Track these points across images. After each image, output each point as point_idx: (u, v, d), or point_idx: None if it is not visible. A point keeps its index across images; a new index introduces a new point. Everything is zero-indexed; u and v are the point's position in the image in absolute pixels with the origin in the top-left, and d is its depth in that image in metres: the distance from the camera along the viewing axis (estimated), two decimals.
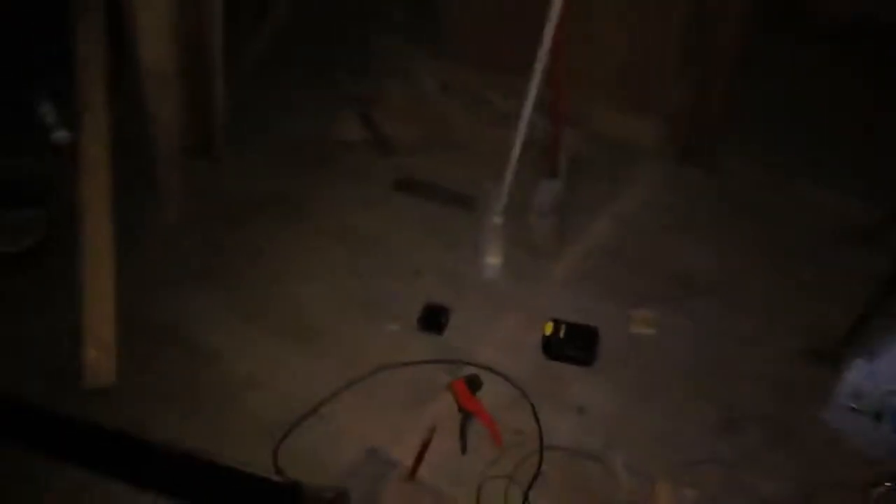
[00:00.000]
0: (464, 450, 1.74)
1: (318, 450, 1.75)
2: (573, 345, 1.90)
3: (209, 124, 2.35)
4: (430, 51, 2.74)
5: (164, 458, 1.67)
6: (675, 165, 2.37)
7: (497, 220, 2.18)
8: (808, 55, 2.61)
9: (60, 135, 2.49)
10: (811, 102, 2.49)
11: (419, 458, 1.72)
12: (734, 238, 2.16)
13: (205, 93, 2.26)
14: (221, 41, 2.19)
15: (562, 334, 1.92)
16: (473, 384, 1.84)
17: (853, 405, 1.63)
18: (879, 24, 2.57)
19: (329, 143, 2.59)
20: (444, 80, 2.71)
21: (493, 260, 2.14)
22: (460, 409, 1.79)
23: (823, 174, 2.27)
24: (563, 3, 1.81)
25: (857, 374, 1.61)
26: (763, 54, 2.46)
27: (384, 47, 2.83)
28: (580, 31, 2.23)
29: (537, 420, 1.78)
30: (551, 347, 1.91)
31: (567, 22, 1.87)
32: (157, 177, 2.20)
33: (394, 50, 2.82)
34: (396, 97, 2.74)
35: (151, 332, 1.99)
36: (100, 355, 1.84)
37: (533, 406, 1.81)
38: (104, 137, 1.98)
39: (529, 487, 1.66)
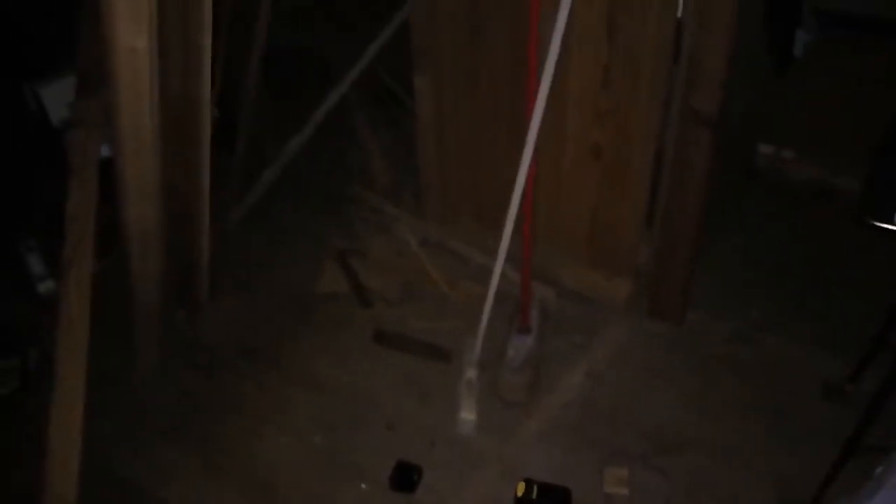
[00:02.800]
0: None
1: None
2: None
3: (191, 277, 2.42)
4: (411, 207, 2.88)
5: None
6: (645, 320, 2.43)
7: (471, 374, 2.21)
8: (766, 212, 2.77)
9: (47, 285, 2.56)
10: (771, 257, 2.60)
11: None
12: (705, 393, 2.19)
13: (189, 248, 2.34)
14: (208, 198, 2.28)
15: (534, 495, 1.89)
16: None
17: None
18: (835, 187, 2.75)
19: (310, 294, 2.65)
20: (423, 235, 2.83)
21: (467, 415, 2.14)
22: None
23: (791, 328, 2.33)
24: (532, 166, 1.94)
25: None
26: (723, 210, 2.61)
27: (367, 204, 2.98)
28: (551, 193, 2.38)
29: None
30: None
31: (532, 187, 1.99)
32: (135, 329, 2.23)
33: (376, 206, 2.96)
34: (378, 251, 2.85)
35: (115, 489, 1.95)
36: None
37: None
38: (86, 294, 2.03)
39: None
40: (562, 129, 2.26)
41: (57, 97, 2.51)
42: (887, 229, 1.36)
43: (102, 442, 2.02)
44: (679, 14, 1.90)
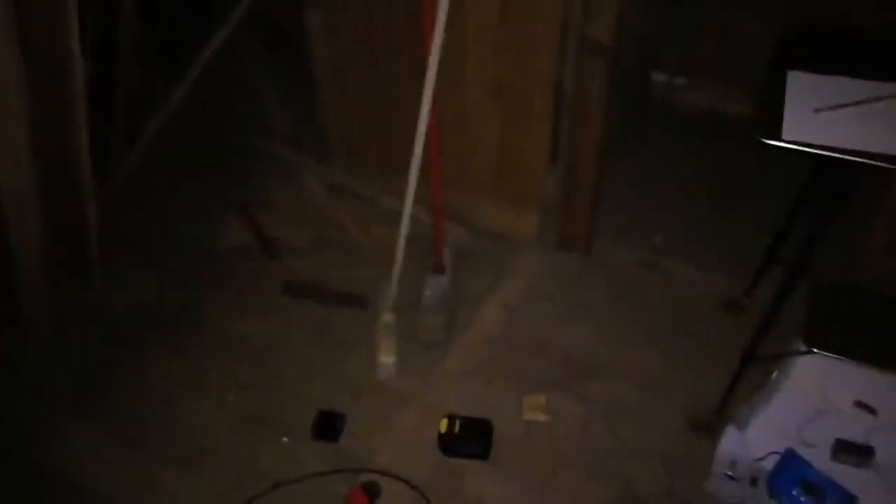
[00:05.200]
0: None
1: None
2: (468, 439, 1.91)
3: (80, 242, 2.26)
4: (314, 153, 2.80)
5: None
6: (555, 253, 2.49)
7: (388, 317, 2.20)
8: (664, 140, 2.86)
9: None
10: (672, 184, 2.70)
11: None
12: (615, 320, 2.27)
13: (73, 210, 2.19)
14: (88, 156, 2.13)
15: (457, 429, 1.92)
16: (371, 492, 1.81)
17: (729, 473, 1.70)
18: (726, 114, 2.86)
19: (213, 250, 2.55)
20: (329, 181, 2.76)
21: (385, 359, 2.14)
22: None
23: (692, 252, 2.43)
24: (432, 103, 1.91)
25: (730, 443, 1.69)
26: (623, 141, 2.68)
27: (266, 151, 2.86)
28: (453, 129, 2.36)
29: None
30: (447, 444, 1.91)
31: (435, 122, 1.96)
32: (22, 304, 2.08)
33: (276, 153, 2.85)
34: (281, 200, 2.76)
35: (29, 478, 1.85)
36: None
37: None
38: None
39: None
40: (462, 67, 2.22)
41: None
42: (777, 146, 1.41)
43: (10, 429, 1.90)
44: None
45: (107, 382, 2.10)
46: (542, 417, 2.00)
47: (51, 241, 2.09)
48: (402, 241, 2.11)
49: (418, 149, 1.98)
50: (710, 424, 1.91)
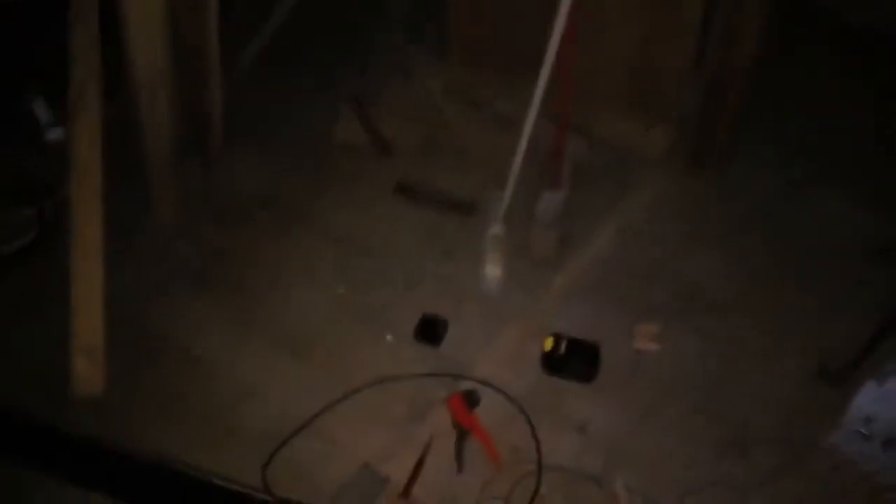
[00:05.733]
0: (460, 469, 1.68)
1: (308, 465, 1.70)
2: (574, 361, 1.85)
3: (204, 125, 2.29)
4: (434, 51, 2.68)
5: (153, 472, 1.64)
6: (683, 174, 2.30)
7: (498, 229, 2.12)
8: (823, 61, 2.54)
9: (54, 132, 2.45)
10: (825, 110, 2.41)
11: (413, 476, 1.66)
12: (744, 251, 2.10)
13: (200, 94, 2.21)
14: (217, 42, 2.12)
15: (563, 349, 1.86)
16: (471, 399, 1.79)
17: (863, 430, 1.56)
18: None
19: (327, 144, 2.53)
20: (448, 81, 2.65)
21: (493, 271, 2.08)
22: (456, 426, 1.74)
23: (837, 185, 2.19)
24: (572, 4, 1.75)
25: (868, 398, 1.54)
26: (777, 56, 2.40)
27: (386, 46, 2.77)
28: (588, 33, 2.17)
29: (536, 439, 1.73)
30: (552, 363, 1.85)
31: (576, 24, 1.80)
32: (148, 180, 2.14)
33: (396, 49, 2.76)
34: (398, 98, 2.68)
35: (142, 339, 1.95)
36: (89, 364, 1.80)
37: (532, 423, 1.76)
38: (96, 139, 1.93)
39: None
40: None
41: None
42: None
43: (127, 293, 1.99)
44: None
45: (222, 262, 2.15)
46: (653, 347, 1.90)
47: (178, 123, 2.12)
48: (521, 149, 2.00)
49: (552, 51, 1.83)
50: (843, 375, 1.74)
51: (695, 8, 2.00)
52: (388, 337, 1.96)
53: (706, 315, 1.95)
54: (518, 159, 2.02)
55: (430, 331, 1.96)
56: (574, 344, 1.87)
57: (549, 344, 1.87)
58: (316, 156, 2.48)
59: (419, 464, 1.68)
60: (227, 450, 1.71)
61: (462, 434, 1.72)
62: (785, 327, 1.91)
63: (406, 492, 1.64)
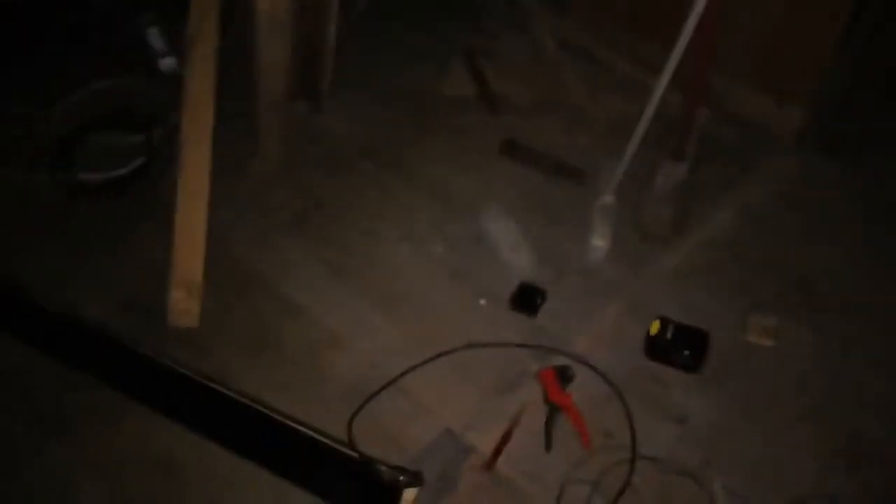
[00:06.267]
0: (548, 447, 1.62)
1: (394, 423, 1.67)
2: (681, 348, 1.73)
3: (316, 69, 2.25)
4: (552, 5, 2.54)
5: (240, 411, 1.64)
6: (814, 158, 2.11)
7: (608, 199, 2.01)
8: None
9: (168, 62, 2.47)
10: None
11: (499, 448, 1.61)
12: (872, 243, 1.92)
13: (315, 37, 2.16)
14: None
15: (669, 335, 1.75)
16: (565, 376, 1.71)
17: None
18: None
19: (435, 96, 2.45)
20: (565, 38, 2.51)
21: (599, 242, 1.98)
22: (547, 402, 1.67)
23: None
24: None
25: None
26: None
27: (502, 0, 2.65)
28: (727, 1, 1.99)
29: (632, 425, 1.64)
30: (656, 348, 1.75)
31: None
32: (258, 119, 2.12)
33: (511, 2, 2.63)
34: (509, 51, 2.57)
35: (238, 277, 1.95)
36: (186, 296, 1.81)
37: (628, 409, 1.67)
38: (210, 72, 1.92)
39: (616, 499, 1.53)
40: None
41: None
42: None
43: (226, 231, 1.99)
44: None
45: (321, 209, 2.13)
46: (768, 342, 1.76)
47: (292, 62, 2.08)
48: (647, 117, 1.86)
49: (696, 15, 1.67)
50: None
51: None
52: (482, 301, 1.90)
53: (825, 312, 1.81)
54: (641, 127, 1.89)
55: (528, 299, 1.88)
56: (681, 330, 1.76)
57: (655, 327, 1.76)
58: (424, 109, 2.41)
59: (506, 436, 1.63)
60: (311, 398, 1.70)
61: (553, 411, 1.65)
62: None
63: (490, 464, 1.59)
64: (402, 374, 1.74)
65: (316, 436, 1.59)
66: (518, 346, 1.79)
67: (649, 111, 1.84)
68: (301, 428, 1.60)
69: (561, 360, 1.75)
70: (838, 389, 1.70)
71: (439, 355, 1.77)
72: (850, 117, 2.05)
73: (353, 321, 1.87)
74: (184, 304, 1.81)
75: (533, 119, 2.36)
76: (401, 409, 1.70)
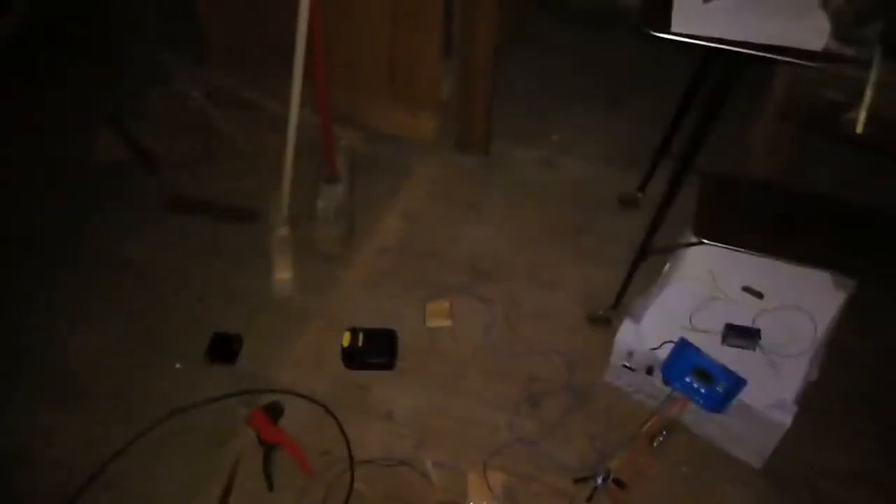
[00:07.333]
0: (270, 486, 1.66)
1: None
2: (373, 351, 1.88)
3: None
4: (192, 57, 2.56)
5: None
6: (453, 154, 2.41)
7: (282, 231, 2.10)
8: (557, 35, 2.78)
9: None
10: (566, 80, 2.65)
11: None
12: (513, 219, 2.25)
13: None
14: None
15: (360, 342, 1.89)
16: (274, 412, 1.76)
17: (626, 364, 1.75)
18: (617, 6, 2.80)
19: (86, 165, 2.34)
20: (209, 86, 2.55)
21: (282, 275, 2.06)
22: (261, 443, 1.71)
23: (587, 149, 2.42)
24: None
25: (626, 335, 1.73)
26: (517, 38, 2.59)
27: (139, 56, 2.60)
28: (342, 24, 2.19)
29: (345, 436, 1.75)
30: (351, 357, 1.87)
31: (320, 19, 1.80)
32: None
33: (151, 58, 2.60)
34: (157, 108, 2.53)
35: None
36: None
37: (338, 422, 1.77)
38: None
39: None
40: None
41: None
42: (665, 38, 1.36)
43: None
44: None
45: None
46: (446, 323, 1.98)
47: None
48: (290, 148, 1.98)
49: (300, 46, 1.82)
50: (606, 318, 1.95)
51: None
52: (178, 365, 1.87)
53: (487, 284, 2.07)
54: (288, 158, 2.00)
55: (224, 348, 1.90)
56: (370, 334, 1.90)
57: (346, 339, 1.89)
58: (75, 179, 2.30)
59: (226, 492, 1.63)
60: None
61: (269, 450, 1.69)
62: (555, 283, 2.07)
63: None
64: (105, 466, 1.65)
65: None
66: (222, 398, 1.80)
67: (290, 141, 1.95)
68: None
69: (268, 398, 1.80)
70: (510, 346, 1.95)
71: (142, 433, 1.72)
72: (471, 115, 2.36)
73: (37, 429, 1.74)
74: None
75: (194, 170, 2.36)
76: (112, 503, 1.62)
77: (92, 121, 2.44)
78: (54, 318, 1.97)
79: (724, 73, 1.46)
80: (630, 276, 1.87)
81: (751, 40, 1.34)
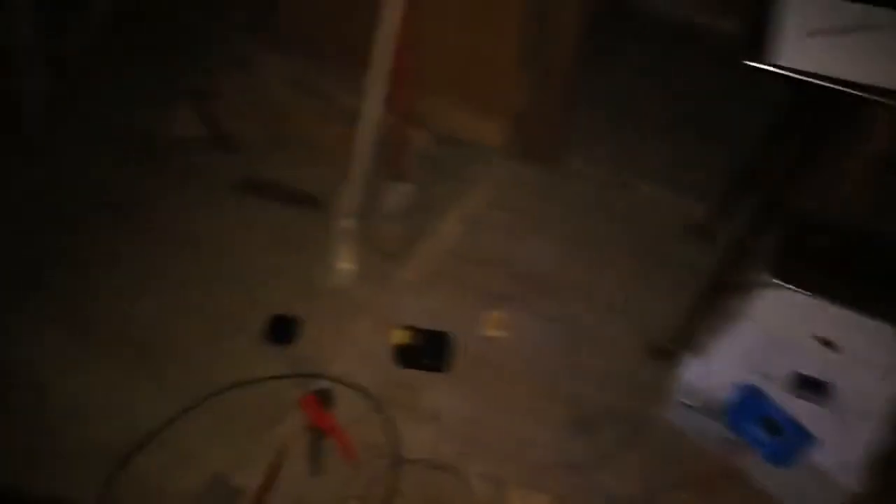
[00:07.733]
0: (314, 472, 1.66)
1: (159, 478, 1.62)
2: (426, 352, 1.88)
3: (17, 113, 2.08)
4: (273, 43, 2.60)
5: None
6: (521, 165, 2.40)
7: (347, 223, 2.11)
8: (639, 54, 2.75)
9: None
10: (646, 100, 2.61)
11: (266, 484, 1.62)
12: (578, 236, 2.22)
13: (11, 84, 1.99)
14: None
15: (414, 341, 1.88)
16: (325, 399, 1.77)
17: (688, 402, 1.71)
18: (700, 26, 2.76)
19: (165, 139, 2.39)
20: (289, 74, 2.58)
21: (344, 265, 2.07)
22: (311, 428, 1.71)
23: (663, 173, 2.38)
24: None
25: (689, 372, 1.69)
26: (600, 52, 2.56)
27: (225, 39, 2.65)
28: (423, 30, 2.19)
29: (392, 433, 1.74)
30: (404, 355, 1.87)
31: (405, 18, 1.81)
32: None
33: (235, 41, 2.64)
34: (236, 91, 2.57)
35: None
36: None
37: (388, 418, 1.77)
38: None
39: None
40: None
41: None
42: (763, 69, 1.32)
43: None
44: None
45: (49, 267, 1.99)
46: (501, 333, 1.97)
47: None
48: (363, 142, 1.99)
49: (383, 42, 1.83)
50: (668, 351, 1.91)
51: (517, 8, 2.07)
52: (238, 340, 1.89)
53: (546, 300, 2.05)
54: (361, 152, 2.01)
55: (282, 331, 1.91)
56: (424, 335, 1.90)
57: (399, 337, 1.89)
58: (152, 151, 2.34)
59: (272, 471, 1.64)
60: (59, 471, 1.58)
61: (317, 435, 1.70)
62: (617, 307, 2.03)
63: (258, 501, 1.60)
64: (163, 428, 1.69)
65: None
66: (276, 378, 1.82)
67: (364, 135, 1.96)
68: None
69: (321, 384, 1.81)
70: (565, 366, 1.92)
71: (199, 402, 1.74)
72: (544, 126, 2.35)
73: (100, 385, 1.79)
74: None
75: (267, 154, 2.39)
76: (165, 464, 1.65)
77: (172, 95, 2.49)
78: (121, 280, 2.01)
79: (828, 112, 1.42)
80: (697, 310, 1.83)
81: (860, 81, 1.30)
